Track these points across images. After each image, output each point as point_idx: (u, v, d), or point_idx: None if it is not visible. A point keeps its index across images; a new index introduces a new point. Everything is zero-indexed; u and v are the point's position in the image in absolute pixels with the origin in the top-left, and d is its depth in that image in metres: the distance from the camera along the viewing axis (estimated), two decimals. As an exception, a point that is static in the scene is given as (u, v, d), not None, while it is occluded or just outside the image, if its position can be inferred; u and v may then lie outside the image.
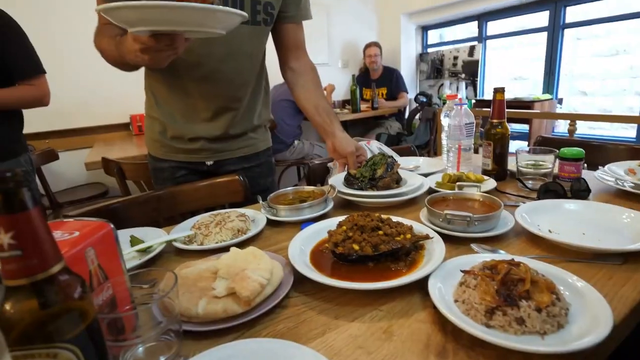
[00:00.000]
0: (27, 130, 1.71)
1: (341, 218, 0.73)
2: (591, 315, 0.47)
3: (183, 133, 1.13)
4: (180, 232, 0.80)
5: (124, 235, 0.81)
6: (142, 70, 1.09)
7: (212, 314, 0.50)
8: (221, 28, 0.71)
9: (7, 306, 0.32)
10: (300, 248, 0.69)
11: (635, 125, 3.26)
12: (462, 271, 0.55)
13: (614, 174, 0.97)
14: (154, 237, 0.78)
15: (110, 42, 0.89)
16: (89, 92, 3.00)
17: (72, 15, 2.85)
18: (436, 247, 0.65)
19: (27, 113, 1.68)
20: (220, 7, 0.64)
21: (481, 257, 0.61)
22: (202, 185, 1.19)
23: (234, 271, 0.54)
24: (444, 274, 0.57)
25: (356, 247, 0.62)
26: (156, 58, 0.74)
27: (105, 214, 0.97)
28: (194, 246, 0.76)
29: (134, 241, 0.77)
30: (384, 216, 0.72)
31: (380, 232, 0.65)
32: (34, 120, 1.76)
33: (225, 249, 0.72)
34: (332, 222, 0.76)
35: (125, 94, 3.11)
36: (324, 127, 1.16)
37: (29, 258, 0.31)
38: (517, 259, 0.55)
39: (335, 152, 1.14)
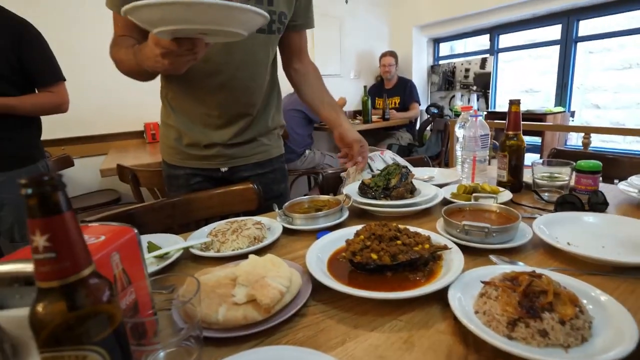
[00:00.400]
0: (44, 136, 1.75)
1: (358, 227, 0.73)
2: (615, 329, 0.46)
3: (199, 140, 1.15)
4: (197, 239, 0.81)
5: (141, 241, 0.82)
6: (158, 79, 1.11)
7: (233, 320, 0.50)
8: (243, 29, 0.69)
9: (39, 307, 0.32)
10: (318, 256, 0.69)
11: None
12: (482, 282, 0.54)
13: (637, 185, 0.96)
14: (171, 244, 0.79)
15: (128, 51, 0.91)
16: (104, 99, 3.07)
17: (92, 23, 2.93)
18: (455, 258, 0.64)
19: (44, 119, 1.72)
20: (243, 5, 0.63)
21: (501, 268, 0.60)
22: (217, 193, 1.20)
23: (253, 278, 0.54)
24: (463, 285, 0.56)
25: (374, 256, 0.62)
26: (176, 63, 0.75)
27: (121, 220, 0.99)
28: (210, 253, 0.76)
29: (151, 247, 0.78)
30: (401, 226, 0.72)
31: (399, 242, 0.65)
32: (50, 127, 1.80)
33: (242, 256, 0.73)
34: (349, 231, 0.77)
35: (140, 102, 3.17)
36: (331, 119, 1.23)
37: (62, 260, 0.32)
38: (538, 270, 0.54)
39: (341, 141, 1.21)
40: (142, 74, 0.96)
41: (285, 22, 1.14)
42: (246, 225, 0.82)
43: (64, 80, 1.68)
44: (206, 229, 0.88)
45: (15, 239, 1.61)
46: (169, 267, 0.73)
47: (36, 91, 1.63)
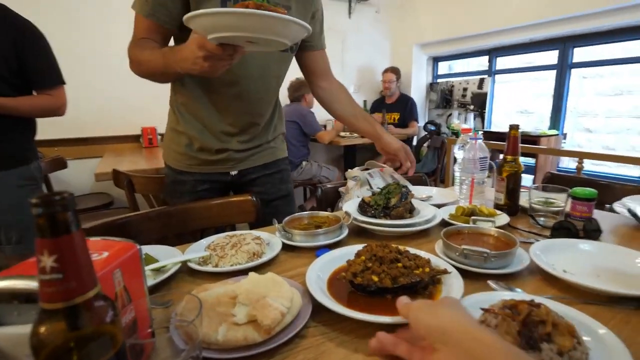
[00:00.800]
0: (37, 137, 1.73)
1: (359, 246, 0.73)
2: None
3: (211, 145, 1.19)
4: (195, 252, 0.80)
5: (137, 252, 0.81)
6: (162, 86, 1.14)
7: (233, 341, 0.49)
8: (289, 39, 0.77)
9: (42, 329, 0.31)
10: (318, 275, 0.69)
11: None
12: (482, 309, 0.54)
13: (627, 206, 1.01)
14: (169, 256, 0.78)
15: (154, 52, 0.96)
16: (102, 101, 3.06)
17: (92, 24, 2.94)
18: (454, 282, 0.64)
19: (38, 119, 1.70)
20: (291, 17, 0.71)
21: (499, 295, 0.61)
22: (215, 203, 1.19)
23: (254, 297, 0.54)
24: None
25: (375, 278, 0.62)
26: (215, 66, 0.80)
27: (115, 228, 0.98)
28: (208, 268, 0.75)
29: (148, 260, 0.76)
30: (401, 247, 0.72)
31: (399, 265, 0.65)
32: (44, 127, 1.78)
33: (241, 272, 0.72)
34: (349, 251, 0.77)
35: (138, 106, 3.17)
36: (370, 132, 1.30)
37: (68, 281, 0.31)
38: (537, 299, 0.55)
39: (384, 152, 1.28)
40: (164, 75, 1.02)
41: (298, 42, 1.21)
42: (245, 240, 0.82)
43: (64, 83, 1.67)
44: (204, 242, 0.87)
45: (1, 242, 1.57)
46: (165, 281, 0.72)
47: (34, 93, 1.62)
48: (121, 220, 0.98)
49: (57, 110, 1.67)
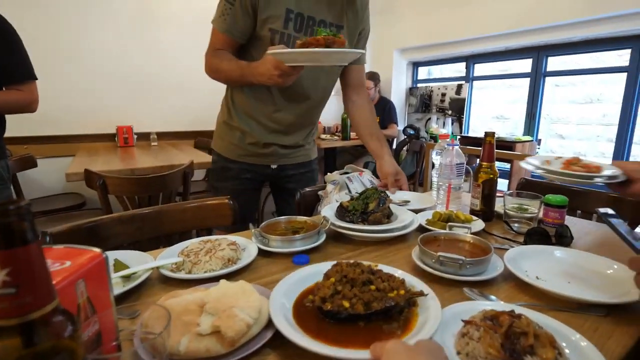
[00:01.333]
0: (5, 134, 1.65)
1: (328, 264, 0.68)
2: None
3: (260, 140, 1.36)
4: (168, 258, 0.78)
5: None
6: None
7: (195, 352, 0.47)
8: (347, 62, 1.15)
9: (-7, 347, 0.29)
10: (282, 303, 0.61)
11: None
12: (463, 321, 0.54)
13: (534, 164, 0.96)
14: (140, 262, 0.75)
15: (232, 64, 1.21)
16: (74, 98, 2.95)
17: (67, 20, 2.84)
18: (431, 305, 0.59)
19: (7, 116, 1.63)
20: (348, 49, 1.01)
21: (478, 305, 0.61)
22: (191, 206, 1.17)
23: (221, 307, 0.52)
24: (443, 322, 0.55)
25: (346, 304, 0.56)
26: (286, 81, 1.08)
27: (84, 232, 0.94)
28: (181, 274, 0.73)
29: (118, 266, 0.74)
30: (373, 265, 0.68)
31: (372, 287, 0.60)
32: (13, 124, 1.70)
33: (215, 278, 0.71)
34: (317, 270, 0.71)
35: (113, 104, 3.08)
36: (376, 151, 1.42)
37: (22, 296, 0.29)
38: (510, 307, 0.55)
39: (379, 171, 1.38)
40: (238, 82, 1.27)
41: None
42: (220, 245, 0.80)
43: (36, 79, 1.60)
44: (177, 247, 0.84)
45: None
46: (136, 289, 0.70)
47: (3, 88, 1.55)
48: (90, 223, 0.94)
49: (28, 106, 1.60)
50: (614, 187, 0.89)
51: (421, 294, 0.62)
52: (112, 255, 0.79)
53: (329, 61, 1.05)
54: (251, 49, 1.26)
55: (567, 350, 0.51)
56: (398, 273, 0.69)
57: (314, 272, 0.71)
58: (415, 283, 0.67)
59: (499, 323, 0.51)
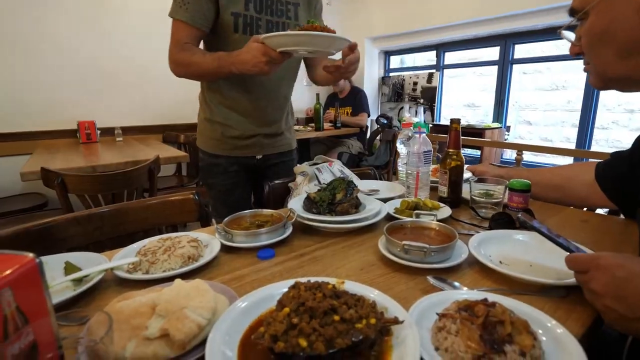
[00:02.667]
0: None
1: (284, 289, 0.55)
2: (564, 352, 0.48)
3: (243, 132, 1.40)
4: (124, 258, 0.74)
5: (58, 260, 0.73)
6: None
7: (141, 357, 0.45)
8: (336, 51, 1.08)
9: None
10: (225, 339, 0.49)
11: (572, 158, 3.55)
12: (438, 315, 0.53)
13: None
14: (94, 264, 0.71)
15: (206, 56, 1.17)
16: (31, 93, 2.79)
17: (21, 7, 2.66)
18: (408, 335, 0.49)
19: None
20: (340, 36, 1.00)
21: (449, 294, 0.61)
22: (153, 203, 1.12)
23: (172, 308, 0.49)
24: (417, 316, 0.54)
25: (303, 342, 0.44)
26: (272, 68, 1.06)
27: (36, 235, 0.88)
28: (138, 275, 0.69)
29: (69, 268, 0.69)
30: (339, 283, 0.59)
31: (336, 317, 0.47)
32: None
33: (173, 278, 0.67)
34: (271, 293, 0.59)
35: (72, 99, 2.93)
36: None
37: None
38: (479, 294, 0.55)
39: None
40: (213, 75, 1.24)
41: None
42: (180, 242, 0.77)
43: None
44: (135, 246, 0.80)
45: None
46: (89, 292, 0.66)
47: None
48: (40, 225, 0.88)
49: None
50: None
51: (395, 321, 0.51)
52: (64, 257, 0.74)
53: (322, 47, 1.01)
54: (212, 41, 1.28)
55: (539, 331, 0.52)
56: (369, 293, 0.59)
57: (268, 296, 0.59)
58: (388, 304, 0.56)
59: (475, 313, 0.50)
